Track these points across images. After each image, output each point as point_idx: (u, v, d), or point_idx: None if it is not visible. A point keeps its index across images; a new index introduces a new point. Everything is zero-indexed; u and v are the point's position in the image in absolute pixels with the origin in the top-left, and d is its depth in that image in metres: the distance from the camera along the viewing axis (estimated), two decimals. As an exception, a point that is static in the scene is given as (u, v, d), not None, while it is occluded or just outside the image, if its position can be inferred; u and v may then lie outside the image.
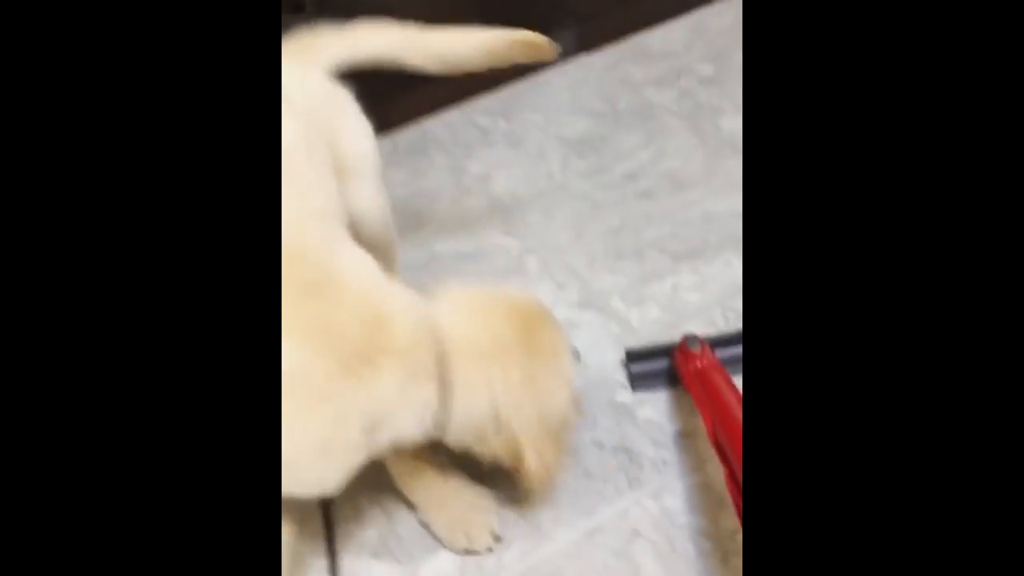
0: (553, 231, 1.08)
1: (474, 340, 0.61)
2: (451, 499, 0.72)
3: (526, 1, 1.82)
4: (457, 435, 0.63)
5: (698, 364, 0.78)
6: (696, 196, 1.10)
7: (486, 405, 0.61)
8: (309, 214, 0.62)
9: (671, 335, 0.88)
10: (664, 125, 1.25)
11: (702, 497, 0.68)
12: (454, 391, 0.60)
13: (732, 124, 1.22)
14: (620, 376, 0.85)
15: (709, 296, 0.94)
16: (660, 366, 0.84)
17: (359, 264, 0.62)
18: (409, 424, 0.60)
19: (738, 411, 0.68)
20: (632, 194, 1.12)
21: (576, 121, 1.30)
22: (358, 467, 0.60)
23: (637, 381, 0.84)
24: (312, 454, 0.57)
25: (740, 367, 0.78)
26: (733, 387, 0.74)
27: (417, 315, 0.60)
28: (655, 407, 0.81)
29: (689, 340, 0.81)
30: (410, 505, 0.75)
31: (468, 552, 0.72)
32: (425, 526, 0.74)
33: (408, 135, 1.29)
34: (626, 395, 0.82)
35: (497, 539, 0.72)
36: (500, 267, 1.03)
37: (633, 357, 0.84)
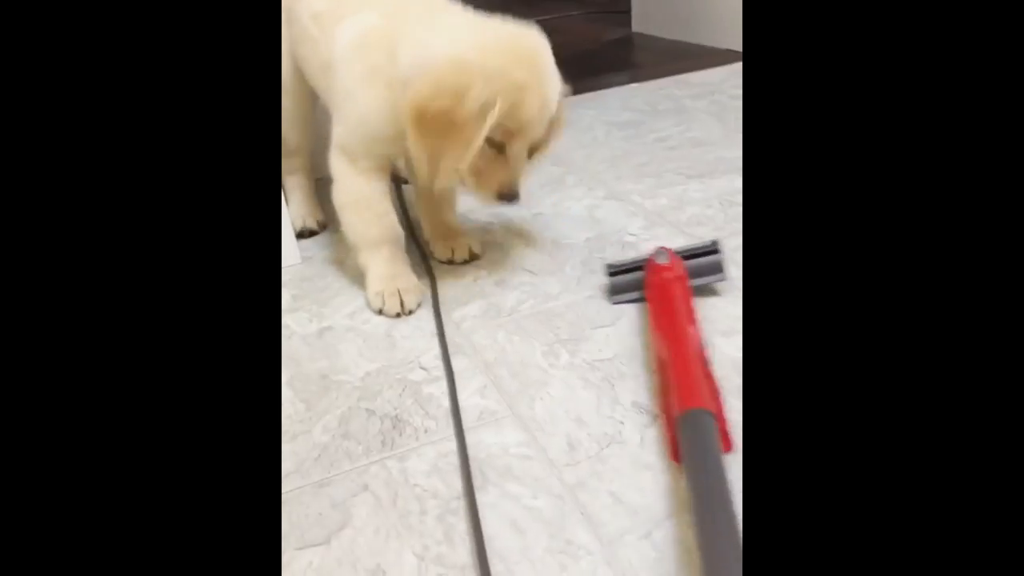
0: (591, 163, 1.32)
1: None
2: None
3: (598, 55, 2.19)
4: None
5: (661, 277, 0.81)
6: (712, 148, 1.32)
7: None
8: None
9: (676, 216, 1.08)
10: (694, 116, 1.50)
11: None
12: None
13: (751, 117, 1.46)
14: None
15: (710, 194, 1.14)
16: (635, 277, 0.86)
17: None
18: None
19: (688, 331, 0.72)
20: (660, 148, 1.36)
21: (622, 113, 1.57)
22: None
23: (615, 291, 0.87)
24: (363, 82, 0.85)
25: (714, 273, 0.86)
26: (689, 306, 0.77)
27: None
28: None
29: (658, 253, 0.84)
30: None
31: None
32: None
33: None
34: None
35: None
36: (543, 181, 1.26)
37: (613, 271, 0.87)
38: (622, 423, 0.69)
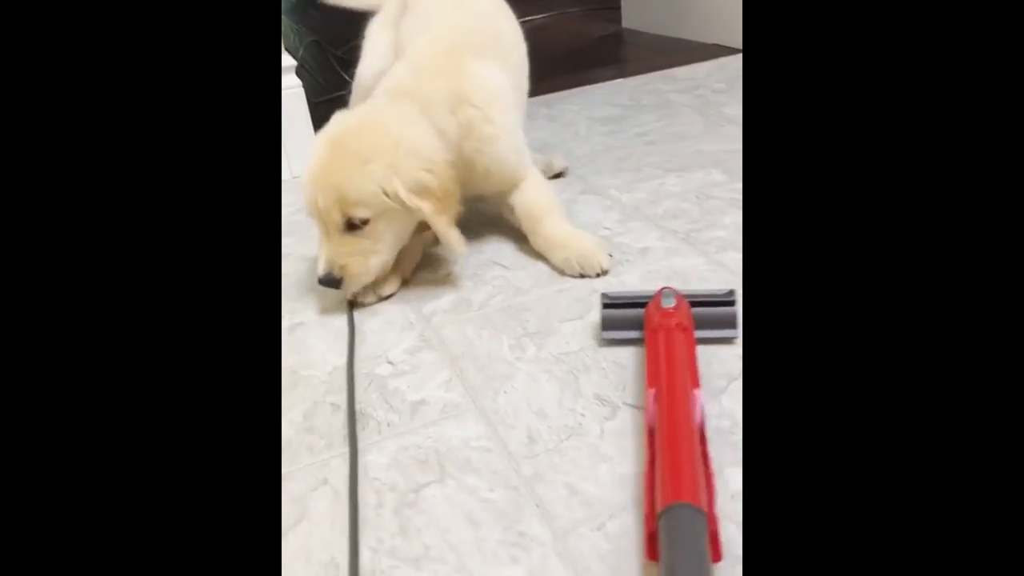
0: (571, 158, 1.31)
1: None
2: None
3: (586, 51, 2.19)
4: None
5: (662, 322, 0.71)
6: (692, 142, 1.32)
7: None
8: None
9: (652, 210, 1.08)
10: (677, 111, 1.50)
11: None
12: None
13: (734, 111, 1.45)
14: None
15: (688, 188, 1.14)
16: (634, 315, 0.77)
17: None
18: None
19: (687, 401, 0.61)
20: (641, 143, 1.35)
21: (605, 109, 1.57)
22: None
23: (608, 326, 0.78)
24: None
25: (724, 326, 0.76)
26: (693, 364, 0.68)
27: None
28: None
29: (664, 294, 0.75)
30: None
31: (582, 276, 0.92)
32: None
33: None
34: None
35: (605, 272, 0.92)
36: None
37: (609, 303, 0.78)
38: (583, 415, 0.69)
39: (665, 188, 1.15)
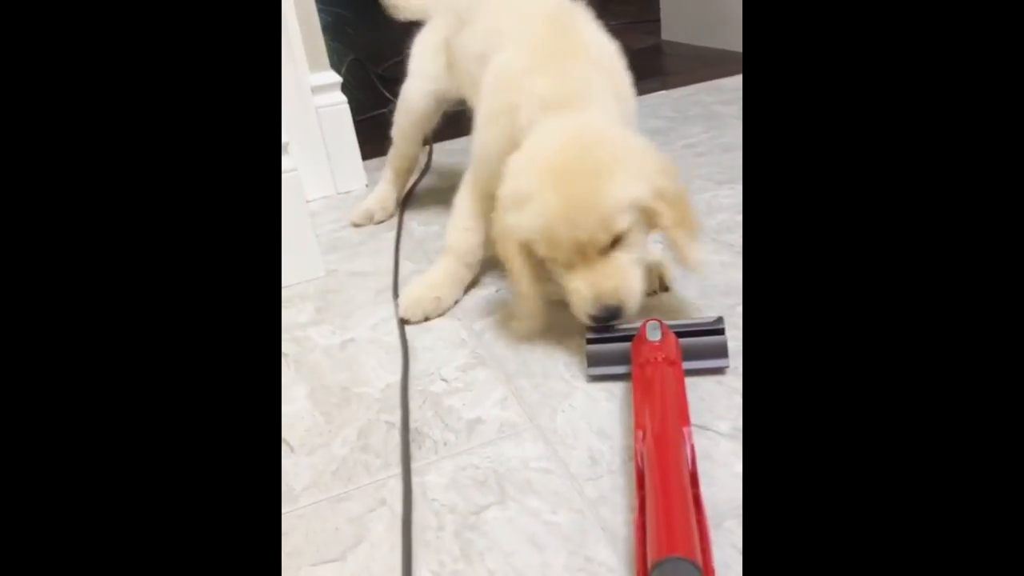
0: (618, 171, 1.30)
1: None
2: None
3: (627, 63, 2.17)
4: None
5: (649, 357, 0.69)
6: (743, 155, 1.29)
7: None
8: None
9: (705, 223, 1.05)
10: (724, 123, 1.47)
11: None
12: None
13: (783, 121, 1.42)
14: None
15: (740, 200, 1.11)
16: (620, 349, 0.74)
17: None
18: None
19: (678, 441, 0.58)
20: (690, 154, 1.33)
21: (651, 121, 1.55)
22: None
23: (594, 362, 0.75)
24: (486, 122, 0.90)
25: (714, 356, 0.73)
26: (682, 400, 0.64)
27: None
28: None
29: (650, 327, 0.72)
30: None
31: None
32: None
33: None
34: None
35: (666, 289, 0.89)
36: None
37: (593, 339, 0.76)
38: (646, 435, 0.66)
39: (717, 200, 1.12)
